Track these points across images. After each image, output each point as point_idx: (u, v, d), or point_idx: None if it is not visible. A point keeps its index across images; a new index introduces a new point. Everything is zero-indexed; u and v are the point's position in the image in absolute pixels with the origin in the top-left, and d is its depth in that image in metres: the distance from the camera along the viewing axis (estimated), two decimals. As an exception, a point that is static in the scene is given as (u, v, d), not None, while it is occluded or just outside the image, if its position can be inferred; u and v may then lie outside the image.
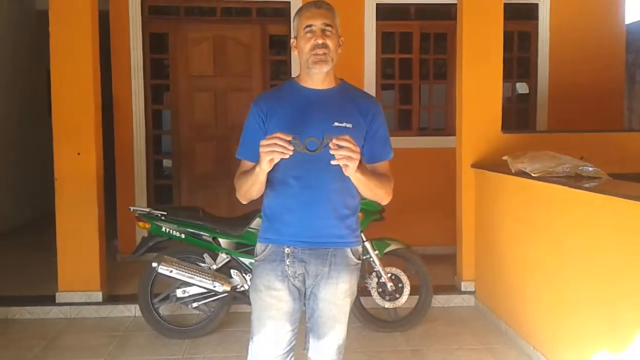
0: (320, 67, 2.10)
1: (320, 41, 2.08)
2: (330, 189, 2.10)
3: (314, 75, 2.14)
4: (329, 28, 2.10)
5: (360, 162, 1.94)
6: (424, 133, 6.55)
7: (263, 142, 1.89)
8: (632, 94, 10.38)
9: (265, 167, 1.93)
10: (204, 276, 3.90)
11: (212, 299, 4.03)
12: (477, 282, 4.78)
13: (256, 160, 2.14)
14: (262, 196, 2.18)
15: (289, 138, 1.86)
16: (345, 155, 1.85)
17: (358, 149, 1.88)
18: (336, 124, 2.08)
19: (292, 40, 2.20)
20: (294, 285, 2.16)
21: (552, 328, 3.49)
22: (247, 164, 2.17)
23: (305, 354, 2.27)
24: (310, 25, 2.10)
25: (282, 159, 1.90)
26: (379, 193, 2.11)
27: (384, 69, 6.48)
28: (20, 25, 7.69)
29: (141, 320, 4.21)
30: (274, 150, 1.87)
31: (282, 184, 2.11)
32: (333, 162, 1.87)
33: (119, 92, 6.00)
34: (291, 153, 1.87)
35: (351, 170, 1.91)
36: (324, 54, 2.08)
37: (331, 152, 1.85)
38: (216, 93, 6.26)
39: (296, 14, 2.19)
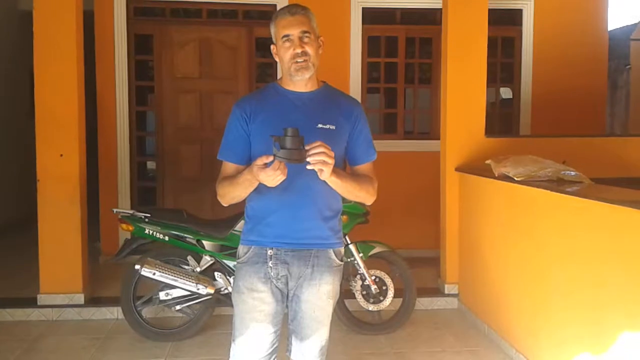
0: (303, 74, 2.11)
1: (299, 50, 2.08)
2: (314, 191, 2.11)
3: (297, 81, 2.15)
4: (306, 35, 2.09)
5: (339, 166, 1.95)
6: (409, 137, 6.59)
7: (266, 173, 1.89)
8: (614, 100, 10.53)
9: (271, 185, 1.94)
10: (187, 279, 3.89)
11: (195, 301, 4.01)
12: (461, 284, 4.80)
13: (239, 162, 2.14)
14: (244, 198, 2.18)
15: (271, 159, 1.88)
16: (319, 160, 1.87)
17: (332, 154, 1.90)
18: (319, 125, 2.09)
19: (272, 47, 2.19)
20: (276, 287, 2.16)
21: (534, 331, 3.52)
22: (229, 166, 2.17)
23: (288, 356, 2.26)
24: (287, 35, 2.09)
25: (265, 163, 1.90)
26: (359, 195, 2.13)
27: (370, 72, 6.52)
28: (2, 25, 7.61)
29: (124, 322, 4.18)
30: (277, 179, 1.90)
31: (266, 186, 2.10)
32: (309, 167, 1.89)
33: (103, 93, 5.97)
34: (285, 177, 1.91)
35: (326, 174, 1.93)
36: (305, 61, 2.08)
37: (307, 159, 1.86)
38: (201, 95, 6.24)
39: (272, 21, 2.16)
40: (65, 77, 4.48)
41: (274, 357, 2.22)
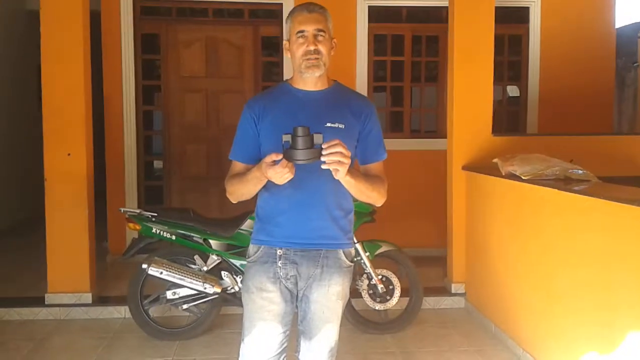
0: (313, 72, 2.10)
1: (312, 47, 2.07)
2: (324, 191, 2.10)
3: (307, 79, 2.14)
4: (321, 33, 2.09)
5: (350, 165, 1.94)
6: (416, 135, 6.58)
7: (274, 170, 1.89)
8: (621, 98, 10.45)
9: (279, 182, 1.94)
10: (194, 278, 3.89)
11: (202, 300, 4.02)
12: (468, 284, 4.79)
13: (248, 161, 2.14)
14: (254, 197, 2.18)
15: (280, 157, 1.87)
16: (335, 160, 1.86)
17: (349, 153, 1.89)
18: (328, 124, 2.08)
19: (284, 42, 2.19)
20: (285, 287, 2.16)
21: (541, 330, 3.50)
22: (239, 166, 2.17)
23: (297, 357, 2.26)
24: (302, 31, 2.09)
25: (274, 161, 1.90)
26: (371, 195, 2.12)
27: (376, 71, 6.50)
28: (10, 25, 7.64)
29: (131, 322, 4.19)
30: (284, 176, 1.90)
31: (276, 185, 2.07)
32: (324, 167, 1.88)
33: (109, 93, 5.98)
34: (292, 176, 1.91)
35: (341, 174, 1.92)
36: (316, 59, 2.08)
37: (322, 158, 1.85)
38: (208, 94, 6.25)
39: (288, 16, 2.17)
40: (73, 76, 4.49)
41: (283, 357, 2.21)
